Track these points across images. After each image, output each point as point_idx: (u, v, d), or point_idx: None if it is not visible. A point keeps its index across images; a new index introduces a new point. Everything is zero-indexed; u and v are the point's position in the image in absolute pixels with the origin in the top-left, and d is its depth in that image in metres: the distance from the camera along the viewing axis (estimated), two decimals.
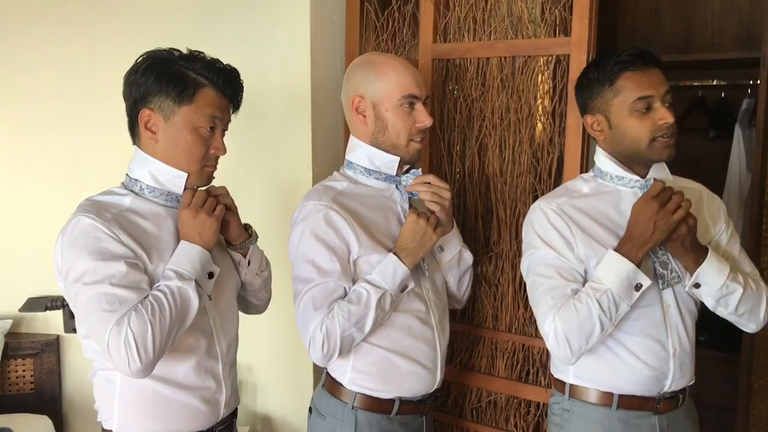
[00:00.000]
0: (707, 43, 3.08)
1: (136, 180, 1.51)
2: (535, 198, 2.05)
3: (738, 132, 2.83)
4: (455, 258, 1.79)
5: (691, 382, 1.67)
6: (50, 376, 2.47)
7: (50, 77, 2.45)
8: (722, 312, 1.61)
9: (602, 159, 1.64)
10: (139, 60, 1.49)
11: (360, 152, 1.72)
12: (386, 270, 1.59)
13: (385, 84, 1.66)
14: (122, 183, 1.54)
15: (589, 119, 1.63)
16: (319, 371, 2.29)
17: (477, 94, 2.11)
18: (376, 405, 1.67)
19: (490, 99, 2.09)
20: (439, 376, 1.73)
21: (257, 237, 1.66)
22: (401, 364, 1.66)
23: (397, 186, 1.73)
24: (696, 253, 1.56)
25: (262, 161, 2.30)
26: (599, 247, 1.57)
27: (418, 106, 1.68)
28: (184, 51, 1.51)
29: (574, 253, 1.58)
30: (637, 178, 1.60)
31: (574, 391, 1.66)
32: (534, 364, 2.10)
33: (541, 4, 2.00)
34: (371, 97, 1.68)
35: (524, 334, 2.09)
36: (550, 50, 1.98)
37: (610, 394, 1.62)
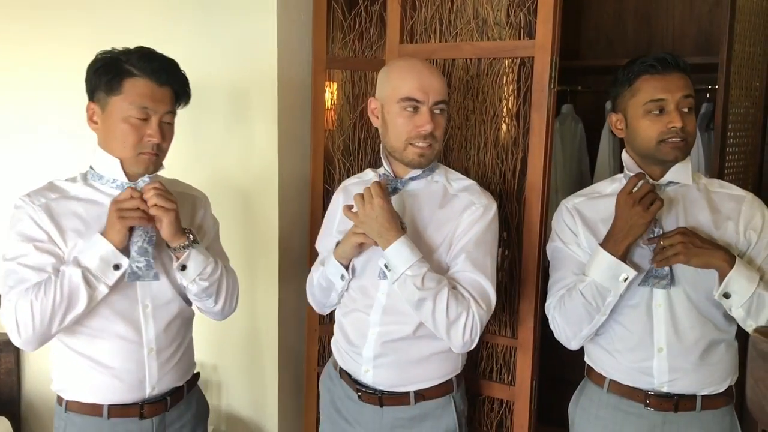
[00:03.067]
0: (668, 48, 3.14)
1: (90, 167, 1.63)
2: (500, 198, 2.08)
3: (697, 135, 2.89)
4: (401, 284, 1.62)
5: (703, 393, 1.63)
6: (8, 376, 2.43)
7: (9, 73, 2.40)
8: (752, 328, 1.56)
9: (624, 159, 1.72)
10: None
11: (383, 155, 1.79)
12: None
13: (389, 87, 1.70)
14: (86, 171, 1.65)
15: (613, 117, 1.71)
16: (284, 370, 2.29)
17: None
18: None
19: (456, 100, 2.11)
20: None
21: (195, 242, 1.62)
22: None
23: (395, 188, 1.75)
24: (717, 257, 1.53)
25: (228, 160, 2.28)
26: (602, 235, 1.65)
27: (423, 109, 1.66)
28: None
29: (581, 247, 1.70)
30: (649, 179, 1.64)
31: (587, 367, 1.79)
32: (497, 361, 2.12)
33: (507, 7, 2.03)
34: (381, 100, 1.73)
35: (488, 332, 2.12)
36: (514, 52, 2.01)
37: (603, 377, 1.71)
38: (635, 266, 1.60)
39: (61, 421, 1.64)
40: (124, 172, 1.57)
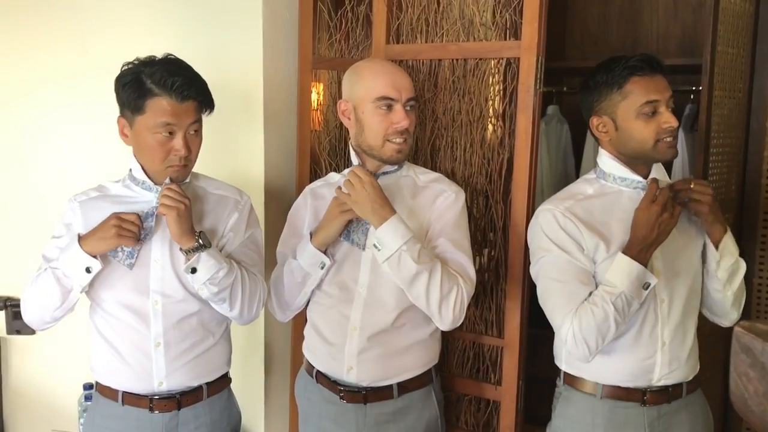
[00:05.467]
0: (652, 49, 3.16)
1: (129, 170, 1.73)
2: (486, 198, 2.09)
3: (681, 136, 2.91)
4: (394, 261, 1.65)
5: (688, 379, 1.69)
6: None
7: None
8: (721, 295, 1.70)
9: (606, 161, 1.71)
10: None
11: (352, 154, 1.81)
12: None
13: (362, 87, 1.74)
14: None
15: (595, 121, 1.70)
16: (270, 371, 2.28)
17: (429, 95, 2.13)
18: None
19: (442, 100, 2.12)
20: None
21: (205, 246, 1.64)
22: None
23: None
24: (722, 223, 1.68)
25: (213, 161, 2.26)
26: (605, 238, 1.64)
27: (397, 107, 1.73)
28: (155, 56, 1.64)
29: (584, 254, 1.65)
30: (639, 179, 1.68)
31: (567, 378, 1.75)
32: (484, 361, 2.13)
33: (492, 8, 2.03)
34: (353, 101, 1.77)
35: (475, 332, 2.12)
36: (500, 53, 2.01)
37: (595, 384, 1.69)
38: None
39: (93, 399, 1.79)
40: (150, 178, 1.68)
